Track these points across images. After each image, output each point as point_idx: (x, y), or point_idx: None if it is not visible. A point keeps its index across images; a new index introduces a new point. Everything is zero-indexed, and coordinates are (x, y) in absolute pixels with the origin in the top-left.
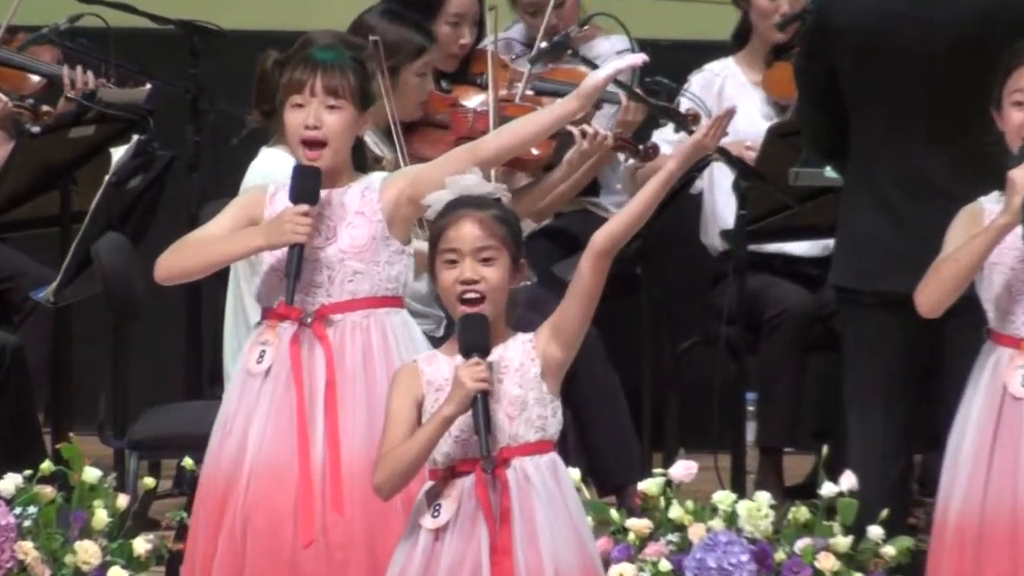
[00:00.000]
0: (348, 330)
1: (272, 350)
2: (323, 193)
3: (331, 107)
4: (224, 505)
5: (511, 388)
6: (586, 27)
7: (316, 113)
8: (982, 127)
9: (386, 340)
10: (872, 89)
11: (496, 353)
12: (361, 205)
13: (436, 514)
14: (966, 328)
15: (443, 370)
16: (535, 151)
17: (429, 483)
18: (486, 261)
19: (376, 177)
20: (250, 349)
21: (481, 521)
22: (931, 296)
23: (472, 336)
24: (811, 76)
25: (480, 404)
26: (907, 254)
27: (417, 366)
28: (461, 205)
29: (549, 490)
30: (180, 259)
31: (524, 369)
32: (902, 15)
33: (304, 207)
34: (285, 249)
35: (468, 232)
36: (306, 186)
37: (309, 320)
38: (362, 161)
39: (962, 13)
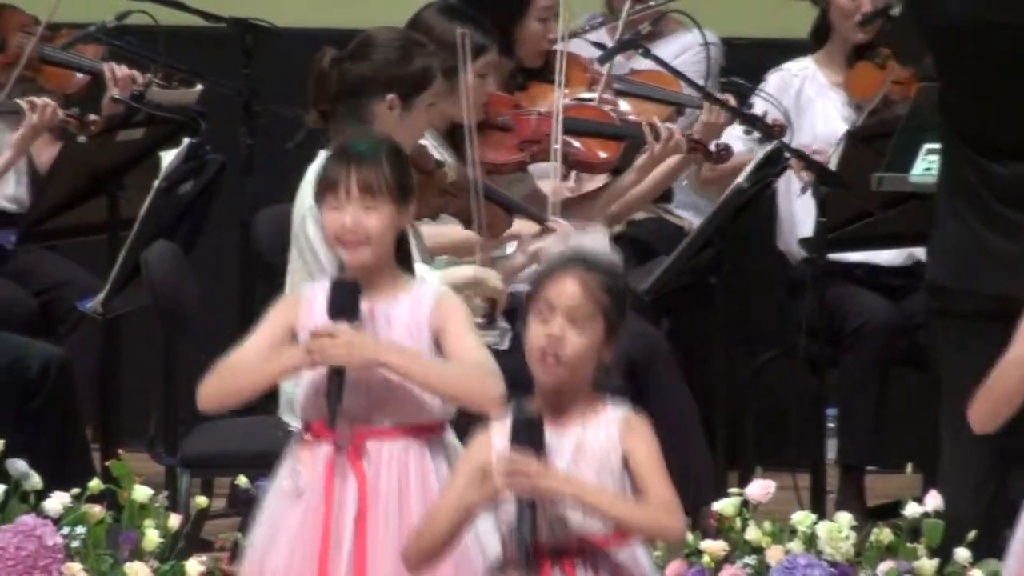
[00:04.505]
0: (384, 460)
1: (307, 472)
2: (364, 305)
3: (368, 208)
4: None
5: (587, 475)
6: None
7: (354, 216)
8: None
9: (424, 469)
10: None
11: (574, 434)
12: (410, 325)
13: None
14: None
15: None
16: (603, 154)
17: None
18: (577, 324)
19: (429, 292)
20: (285, 465)
21: None
22: (985, 411)
23: (522, 436)
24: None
25: (525, 511)
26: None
27: (489, 434)
28: (572, 261)
29: None
30: (222, 385)
31: (604, 455)
32: (1000, 22)
33: (342, 326)
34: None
35: (567, 290)
36: (344, 302)
37: (345, 445)
38: (407, 256)
39: None
